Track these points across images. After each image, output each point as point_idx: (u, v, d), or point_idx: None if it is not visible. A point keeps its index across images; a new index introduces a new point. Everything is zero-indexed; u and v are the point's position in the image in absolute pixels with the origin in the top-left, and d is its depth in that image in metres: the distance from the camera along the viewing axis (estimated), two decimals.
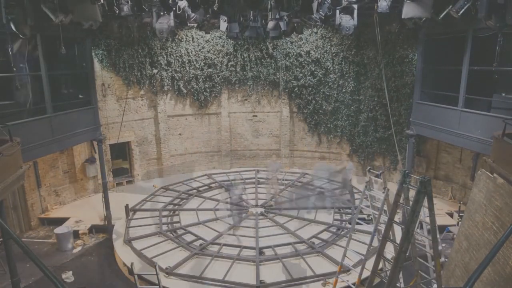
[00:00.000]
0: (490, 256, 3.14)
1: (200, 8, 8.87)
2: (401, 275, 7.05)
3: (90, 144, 13.36)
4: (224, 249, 9.68)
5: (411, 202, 4.97)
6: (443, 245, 9.19)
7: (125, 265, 9.32)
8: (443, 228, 10.46)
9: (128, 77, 14.11)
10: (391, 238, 5.84)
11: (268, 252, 9.51)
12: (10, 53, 7.92)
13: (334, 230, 10.66)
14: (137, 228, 10.86)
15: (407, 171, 5.59)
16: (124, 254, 9.65)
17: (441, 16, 9.02)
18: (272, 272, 8.71)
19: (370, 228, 8.34)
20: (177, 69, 14.87)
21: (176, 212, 11.80)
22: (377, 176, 7.29)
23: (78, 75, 11.28)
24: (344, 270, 8.08)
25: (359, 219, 11.12)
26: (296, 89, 15.52)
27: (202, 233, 10.44)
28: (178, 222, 11.21)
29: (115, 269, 9.68)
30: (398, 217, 10.24)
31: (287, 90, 15.73)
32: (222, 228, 10.71)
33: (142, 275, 7.94)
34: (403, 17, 8.80)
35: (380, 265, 6.51)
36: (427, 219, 5.34)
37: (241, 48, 15.10)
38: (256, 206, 12.33)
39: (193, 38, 14.72)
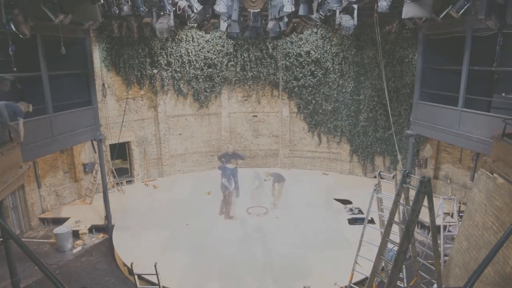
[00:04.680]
0: (490, 256, 3.13)
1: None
2: (404, 274, 7.06)
3: (91, 144, 13.35)
4: None
5: (411, 202, 4.97)
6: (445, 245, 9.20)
7: (125, 265, 9.32)
8: None
9: (128, 77, 14.10)
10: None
11: None
12: (11, 53, 7.90)
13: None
14: None
15: (407, 171, 5.60)
16: (124, 254, 9.65)
17: (441, 16, 9.01)
18: None
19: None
20: (177, 69, 14.87)
21: None
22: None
23: (78, 75, 11.27)
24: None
25: (358, 219, 11.24)
26: (296, 89, 15.51)
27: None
28: None
29: (115, 269, 9.68)
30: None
31: (287, 90, 15.73)
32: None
33: (142, 275, 7.94)
34: (403, 17, 8.78)
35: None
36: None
37: (241, 48, 15.09)
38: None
39: (193, 38, 14.71)
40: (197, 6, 8.50)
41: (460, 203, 11.22)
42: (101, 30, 12.82)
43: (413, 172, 13.25)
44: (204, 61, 15.04)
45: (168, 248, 9.97)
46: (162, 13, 9.44)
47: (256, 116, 16.38)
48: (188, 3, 8.52)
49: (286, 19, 10.34)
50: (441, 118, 10.27)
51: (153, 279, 7.44)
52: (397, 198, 5.53)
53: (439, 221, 9.05)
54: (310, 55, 14.93)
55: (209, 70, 15.18)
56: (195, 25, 12.11)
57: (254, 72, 15.44)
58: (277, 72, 15.44)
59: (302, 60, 15.09)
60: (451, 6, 8.38)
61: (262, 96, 16.11)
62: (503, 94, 9.12)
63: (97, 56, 13.16)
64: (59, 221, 11.75)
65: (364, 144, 15.03)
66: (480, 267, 2.96)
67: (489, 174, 6.82)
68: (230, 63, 15.26)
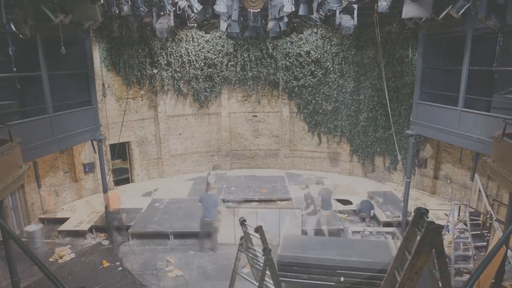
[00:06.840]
0: (490, 256, 3.13)
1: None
2: None
3: (91, 144, 13.34)
4: None
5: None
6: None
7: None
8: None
9: (128, 77, 14.10)
10: None
11: None
12: (11, 53, 7.91)
13: None
14: None
15: (423, 210, 3.80)
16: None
17: (441, 16, 9.01)
18: None
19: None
20: (177, 69, 14.86)
21: None
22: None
23: (78, 75, 11.28)
24: None
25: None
26: (296, 89, 15.51)
27: None
28: None
29: (115, 269, 9.67)
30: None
31: (287, 90, 15.73)
32: None
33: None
34: (403, 17, 8.79)
35: None
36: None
37: (241, 48, 15.08)
38: None
39: (193, 38, 14.70)
40: (197, 6, 8.51)
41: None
42: (101, 30, 12.82)
43: (413, 172, 13.24)
44: (204, 61, 15.03)
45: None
46: (162, 13, 9.45)
47: (256, 116, 16.38)
48: (188, 3, 8.53)
49: (286, 19, 10.34)
50: (441, 118, 10.26)
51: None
52: (405, 244, 3.99)
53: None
54: (310, 55, 14.92)
55: (209, 70, 15.17)
56: (195, 25, 12.10)
57: (254, 72, 15.43)
58: (277, 72, 15.44)
59: (302, 60, 15.09)
60: (451, 6, 8.39)
61: (262, 96, 16.10)
62: (502, 92, 9.11)
63: (97, 56, 13.16)
64: (59, 221, 11.74)
65: (364, 144, 15.03)
66: (480, 267, 2.96)
67: (489, 174, 6.82)
68: (230, 63, 15.25)
